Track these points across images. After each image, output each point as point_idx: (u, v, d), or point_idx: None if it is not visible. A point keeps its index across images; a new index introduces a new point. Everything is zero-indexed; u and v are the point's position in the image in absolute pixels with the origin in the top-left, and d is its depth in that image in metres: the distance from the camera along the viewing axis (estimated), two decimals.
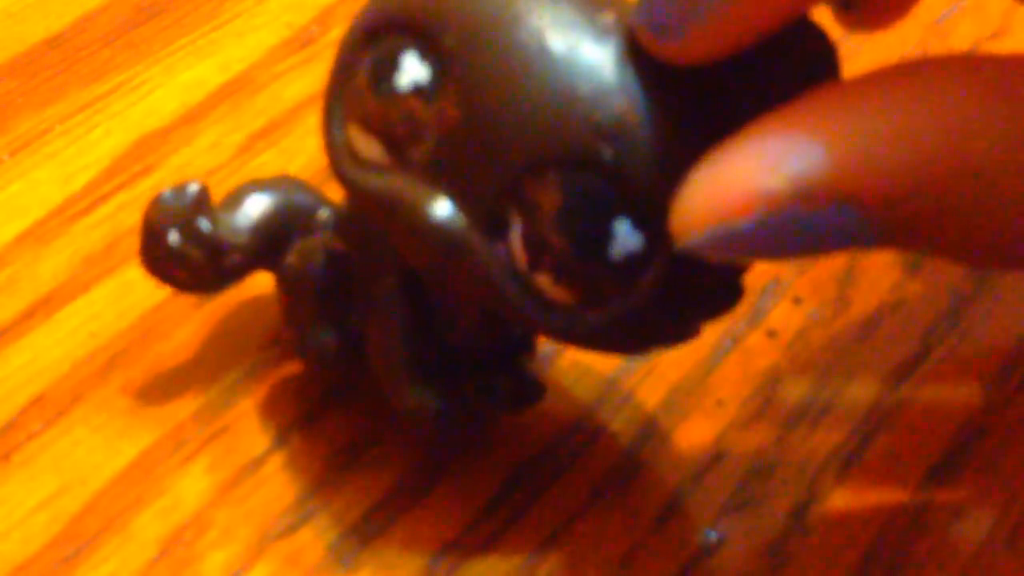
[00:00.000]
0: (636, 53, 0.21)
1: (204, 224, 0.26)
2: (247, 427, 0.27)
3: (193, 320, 0.30)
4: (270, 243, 0.27)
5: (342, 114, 0.23)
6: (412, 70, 0.22)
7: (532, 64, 0.21)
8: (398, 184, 0.22)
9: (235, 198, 0.27)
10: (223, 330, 0.29)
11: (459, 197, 0.22)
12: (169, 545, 0.25)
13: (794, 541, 0.25)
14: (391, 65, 0.22)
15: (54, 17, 0.38)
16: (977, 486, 0.26)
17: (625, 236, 0.21)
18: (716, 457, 0.27)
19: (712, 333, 0.29)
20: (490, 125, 0.21)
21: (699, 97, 0.21)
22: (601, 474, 0.26)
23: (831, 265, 0.30)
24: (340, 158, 0.23)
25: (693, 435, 0.27)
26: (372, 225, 0.25)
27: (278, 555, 0.25)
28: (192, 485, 0.26)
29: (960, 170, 0.18)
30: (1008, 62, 0.19)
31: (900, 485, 0.26)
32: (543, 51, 0.21)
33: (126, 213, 0.32)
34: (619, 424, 0.27)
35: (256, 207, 0.27)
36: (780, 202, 0.18)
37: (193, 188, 0.26)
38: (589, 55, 0.21)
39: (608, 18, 0.21)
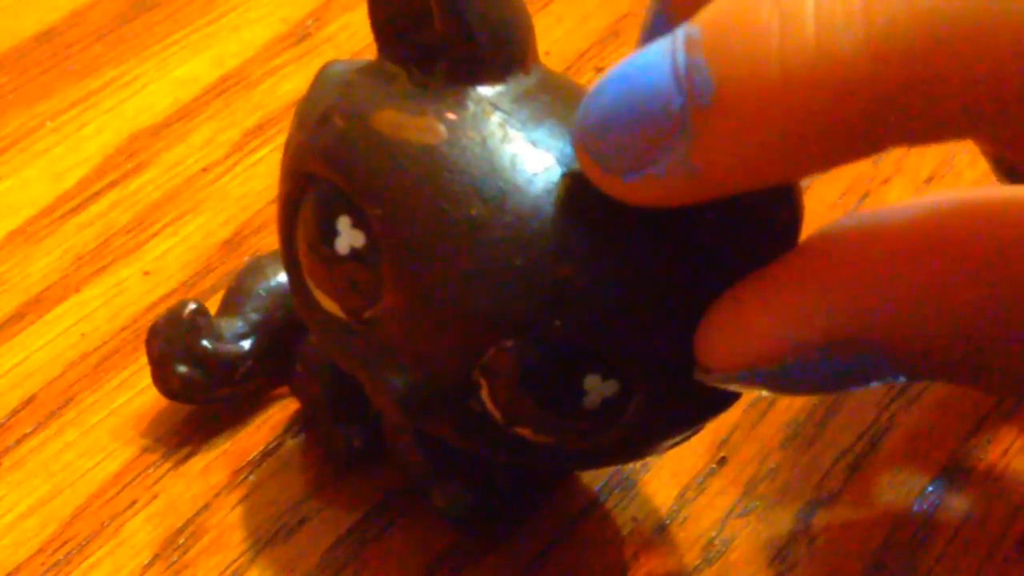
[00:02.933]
0: (573, 196, 0.20)
1: (207, 345, 0.26)
2: (241, 430, 0.27)
3: None
4: (277, 338, 0.27)
5: (298, 264, 0.23)
6: (348, 235, 0.21)
7: (461, 240, 0.20)
8: (359, 350, 0.22)
9: (233, 298, 0.27)
10: None
11: (419, 362, 0.21)
12: (162, 550, 0.25)
13: (800, 547, 0.25)
14: (329, 227, 0.21)
15: (45, 11, 0.37)
16: (985, 492, 0.26)
17: (597, 387, 0.20)
18: (721, 462, 0.26)
19: None
20: (432, 304, 0.20)
21: (649, 234, 0.20)
22: (604, 478, 0.26)
23: None
24: (304, 308, 0.23)
25: (697, 439, 0.26)
26: None
27: (273, 561, 0.25)
28: (186, 489, 0.26)
29: (992, 321, 0.18)
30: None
31: (907, 491, 0.26)
32: (470, 224, 0.20)
33: (118, 211, 0.32)
34: None
35: (255, 305, 0.27)
36: (811, 351, 0.18)
37: (187, 310, 0.26)
38: (520, 221, 0.20)
39: (536, 163, 0.20)
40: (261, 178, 0.33)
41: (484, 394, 0.21)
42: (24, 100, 0.35)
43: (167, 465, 0.27)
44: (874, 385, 0.19)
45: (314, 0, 0.38)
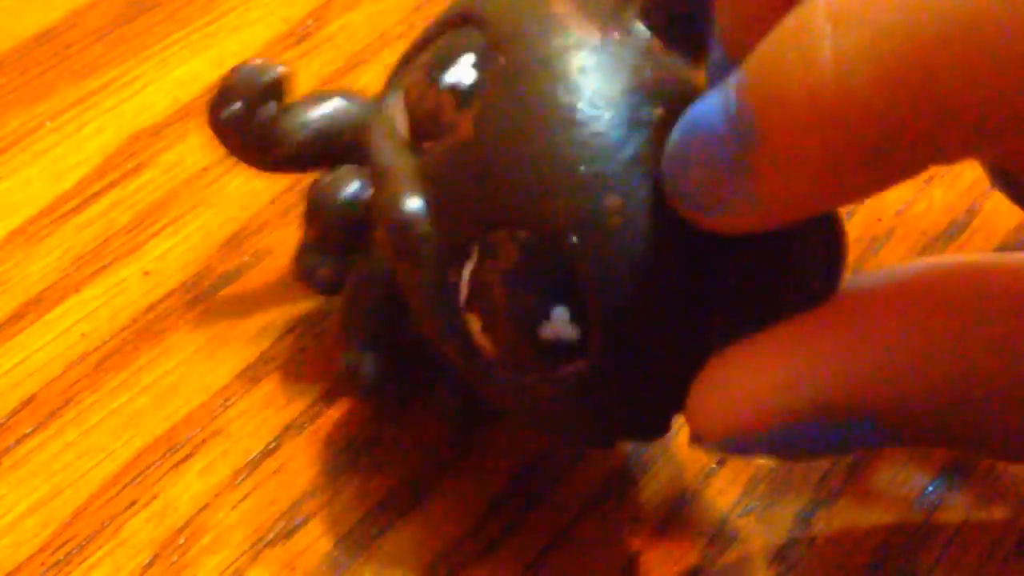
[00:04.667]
0: (656, 159, 0.20)
1: (269, 109, 0.27)
2: (242, 430, 0.27)
3: (186, 321, 0.29)
4: (325, 147, 0.27)
5: (400, 79, 0.24)
6: (461, 72, 0.22)
7: (554, 123, 0.20)
8: (395, 167, 0.22)
9: (311, 97, 0.28)
10: (217, 331, 0.29)
11: (437, 209, 0.22)
12: (162, 550, 0.25)
13: (800, 547, 0.25)
14: (450, 57, 0.22)
15: (44, 11, 0.37)
16: (985, 491, 0.26)
17: (560, 322, 0.21)
18: (721, 462, 0.26)
19: None
20: (490, 160, 0.21)
21: (691, 233, 0.20)
22: (604, 478, 0.26)
23: None
24: (375, 119, 0.24)
25: None
26: None
27: (274, 561, 0.25)
28: (186, 489, 0.26)
29: (980, 390, 0.18)
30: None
31: (907, 490, 0.26)
32: (571, 116, 0.20)
33: (118, 211, 0.32)
34: None
35: (321, 110, 0.27)
36: (799, 417, 0.19)
37: (274, 72, 0.27)
38: (610, 141, 0.20)
39: (651, 113, 0.21)
40: (261, 178, 0.33)
41: (467, 270, 0.21)
42: (24, 100, 0.35)
43: (167, 465, 0.27)
44: (868, 448, 0.20)
45: (314, 0, 0.38)
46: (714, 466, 0.26)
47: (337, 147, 0.27)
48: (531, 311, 0.21)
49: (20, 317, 0.29)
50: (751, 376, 0.19)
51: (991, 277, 0.19)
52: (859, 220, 0.31)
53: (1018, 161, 0.21)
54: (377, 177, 0.23)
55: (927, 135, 0.17)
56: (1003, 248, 0.30)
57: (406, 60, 0.25)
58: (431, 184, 0.22)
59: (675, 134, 0.20)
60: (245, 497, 0.26)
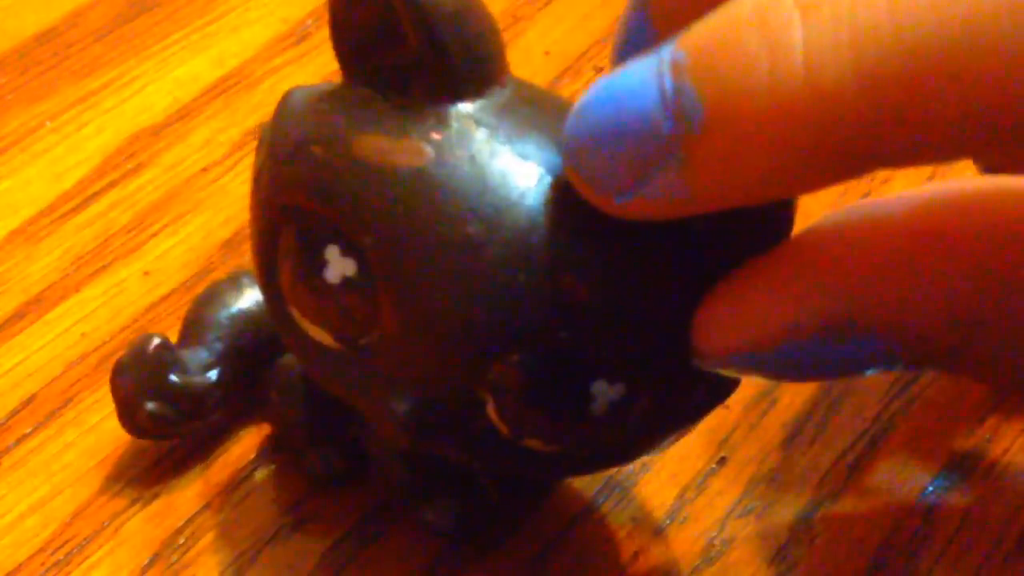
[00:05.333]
0: (567, 206, 0.19)
1: (175, 380, 0.25)
2: (242, 430, 0.27)
3: None
4: (244, 365, 0.26)
5: (280, 294, 0.22)
6: (338, 264, 0.21)
7: (460, 260, 0.19)
8: (355, 377, 0.21)
9: (193, 329, 0.26)
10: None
11: (422, 385, 0.21)
12: (162, 550, 0.25)
13: (800, 547, 0.25)
14: (316, 257, 0.21)
15: (45, 11, 0.37)
16: (986, 491, 0.26)
17: (604, 392, 0.20)
18: (721, 462, 0.26)
19: None
20: (433, 326, 0.20)
21: (645, 238, 0.19)
22: (604, 479, 0.26)
23: None
24: (290, 338, 0.22)
25: (697, 439, 0.26)
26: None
27: (273, 561, 0.25)
28: (185, 489, 0.26)
29: (986, 311, 0.18)
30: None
31: (907, 490, 0.26)
32: (468, 243, 0.19)
33: (118, 211, 0.32)
34: None
35: (218, 333, 0.26)
36: (806, 335, 0.18)
37: (152, 345, 0.25)
38: (518, 236, 0.19)
39: (527, 176, 0.20)
40: None
41: (490, 410, 0.21)
42: (24, 100, 0.35)
43: (167, 465, 0.27)
44: (869, 374, 0.19)
45: (314, 0, 0.38)
46: (714, 466, 0.26)
47: (251, 352, 0.26)
48: (577, 404, 0.20)
49: (20, 317, 0.29)
50: (759, 294, 0.19)
51: (991, 202, 0.19)
52: None
53: (1004, 163, 0.20)
54: (346, 392, 0.22)
55: (901, 137, 0.16)
56: None
57: (268, 272, 0.22)
58: (398, 370, 0.21)
59: (587, 105, 0.18)
60: (245, 497, 0.26)
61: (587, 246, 0.20)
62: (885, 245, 0.18)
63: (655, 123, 0.17)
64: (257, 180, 0.22)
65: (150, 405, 0.25)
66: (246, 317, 0.26)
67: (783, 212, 0.20)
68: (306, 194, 0.21)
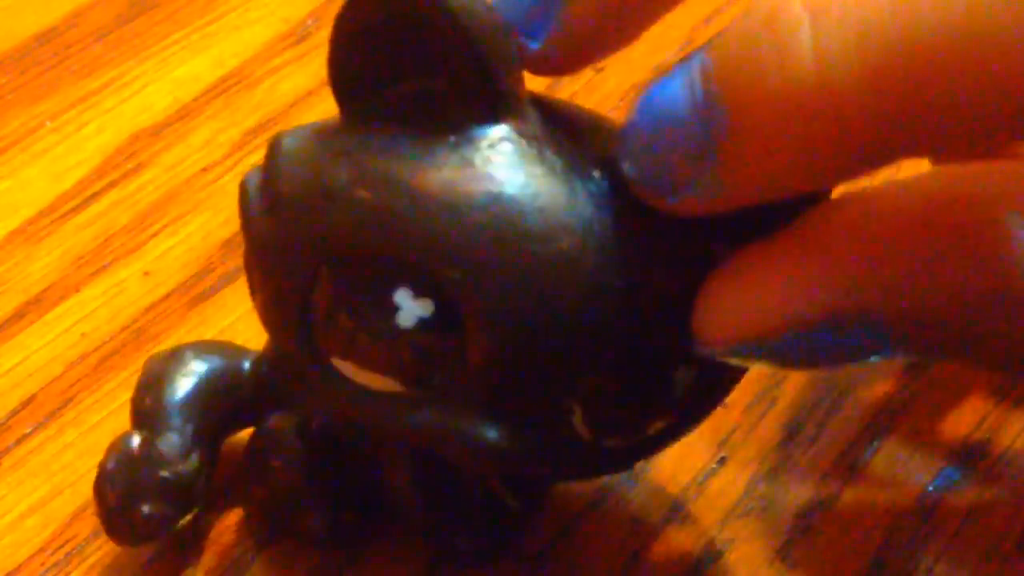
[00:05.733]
0: (633, 207, 0.20)
1: (165, 476, 0.24)
2: (242, 431, 0.27)
3: (186, 321, 0.29)
4: (219, 443, 0.25)
5: (319, 351, 0.22)
6: (412, 308, 0.20)
7: (558, 277, 0.19)
8: (426, 418, 0.21)
9: (148, 417, 0.25)
10: (217, 332, 0.29)
11: (513, 409, 0.20)
12: (162, 550, 0.25)
13: (801, 546, 0.25)
14: (381, 304, 0.20)
15: (44, 11, 0.37)
16: (987, 491, 0.26)
17: (683, 379, 0.21)
18: (721, 460, 0.26)
19: None
20: (531, 348, 0.20)
21: (698, 230, 0.20)
22: (604, 478, 0.26)
23: None
24: (331, 398, 0.22)
25: (697, 438, 0.26)
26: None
27: (273, 561, 0.25)
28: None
29: (990, 296, 0.18)
30: None
31: (908, 488, 0.26)
32: (565, 258, 0.19)
33: (118, 211, 0.32)
34: None
35: (183, 416, 0.24)
36: (811, 324, 0.19)
37: (137, 444, 0.24)
38: (607, 245, 0.20)
39: (593, 183, 0.20)
40: None
41: (576, 419, 0.21)
42: (24, 100, 0.35)
43: None
44: (875, 361, 0.19)
45: (314, 0, 0.38)
46: (714, 466, 0.26)
47: (218, 421, 0.25)
48: (660, 395, 0.21)
49: (20, 317, 0.29)
50: (762, 283, 0.19)
51: (991, 188, 0.19)
52: None
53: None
54: (426, 438, 0.21)
55: (913, 132, 0.17)
56: None
57: (298, 334, 0.22)
58: (479, 401, 0.20)
59: (634, 117, 0.19)
60: (244, 498, 0.26)
61: (663, 239, 0.20)
62: (886, 231, 0.19)
63: (691, 128, 0.18)
64: (258, 238, 0.22)
65: (145, 508, 0.23)
66: (205, 392, 0.25)
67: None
68: (356, 242, 0.20)
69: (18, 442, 0.27)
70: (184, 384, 0.25)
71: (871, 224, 0.19)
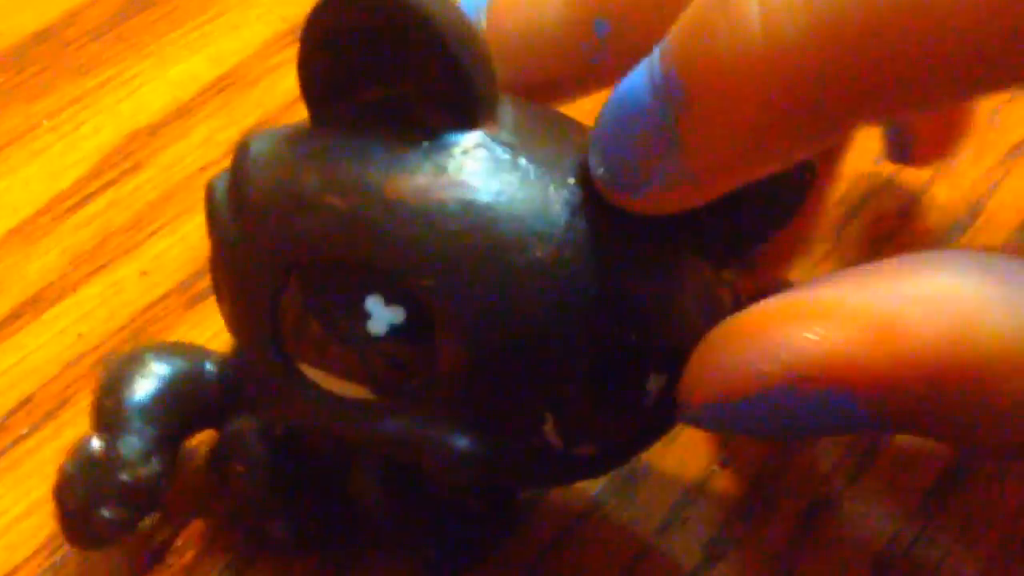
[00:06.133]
0: (606, 212, 0.20)
1: (125, 478, 0.23)
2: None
3: (184, 321, 0.29)
4: (179, 446, 0.25)
5: (287, 358, 0.21)
6: (384, 315, 0.20)
7: (532, 286, 0.19)
8: (395, 426, 0.21)
9: (109, 418, 0.24)
10: (215, 332, 0.29)
11: (484, 417, 0.20)
12: (160, 554, 0.25)
13: (802, 550, 0.25)
14: (354, 311, 0.20)
15: (42, 10, 0.37)
16: (989, 493, 0.26)
17: (655, 384, 0.21)
18: (722, 463, 0.26)
19: None
20: (504, 356, 0.20)
21: (674, 233, 0.20)
22: (605, 480, 0.26)
23: (839, 266, 0.30)
24: (301, 405, 0.21)
25: (698, 441, 0.26)
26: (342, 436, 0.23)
27: (273, 561, 0.25)
28: (184, 489, 0.26)
29: (958, 368, 0.18)
30: (1005, 255, 0.19)
31: (910, 492, 0.26)
32: (539, 265, 0.19)
33: (116, 211, 0.32)
34: None
35: (145, 418, 0.24)
36: (774, 385, 0.19)
37: (97, 448, 0.23)
38: (581, 254, 0.20)
39: (568, 190, 0.20)
40: None
41: (547, 428, 0.21)
42: (21, 99, 0.35)
43: None
44: (836, 432, 0.20)
45: None
46: (715, 467, 0.26)
47: (179, 425, 0.24)
48: (634, 401, 0.21)
49: (17, 317, 0.29)
50: (734, 345, 0.19)
51: (974, 256, 0.19)
52: (861, 220, 0.31)
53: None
54: (396, 446, 0.21)
55: (859, 95, 0.17)
56: (1006, 249, 0.30)
57: (265, 340, 0.21)
58: (449, 409, 0.20)
59: (603, 114, 0.20)
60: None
61: (638, 247, 0.20)
62: (855, 287, 0.19)
63: (651, 112, 0.18)
64: (226, 243, 0.21)
65: (105, 512, 0.23)
66: (167, 395, 0.24)
67: (790, 196, 0.21)
68: (327, 248, 0.20)
69: (15, 443, 0.27)
70: (145, 386, 0.24)
71: (839, 283, 0.19)
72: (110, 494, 0.23)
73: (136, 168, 0.33)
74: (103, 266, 0.31)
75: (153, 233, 0.31)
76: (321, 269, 0.20)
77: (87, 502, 0.23)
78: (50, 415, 0.27)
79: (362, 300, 0.20)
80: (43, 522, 0.25)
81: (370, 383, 0.21)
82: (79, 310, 0.30)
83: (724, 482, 0.26)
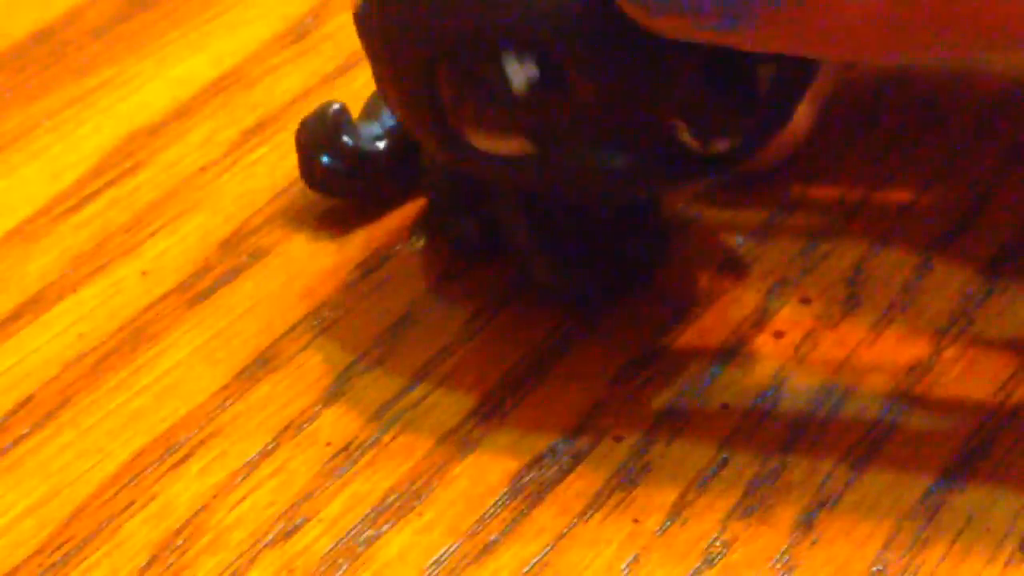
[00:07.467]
0: None
1: (347, 141, 0.30)
2: (240, 430, 0.27)
3: (184, 321, 0.29)
4: (408, 143, 0.30)
5: (451, 130, 0.25)
6: (520, 73, 0.24)
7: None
8: (554, 168, 0.25)
9: (371, 107, 0.31)
10: (215, 332, 0.29)
11: (628, 133, 0.25)
12: (160, 551, 0.25)
13: (801, 549, 0.25)
14: (499, 75, 0.24)
15: (42, 10, 0.37)
16: (990, 492, 0.26)
17: (766, 73, 0.25)
18: (722, 463, 0.26)
19: (717, 334, 0.28)
20: (628, 70, 0.24)
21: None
22: (604, 479, 0.26)
23: (840, 265, 0.30)
24: (474, 166, 0.26)
25: (698, 440, 0.26)
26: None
27: (272, 562, 0.25)
28: (184, 490, 0.26)
29: None
30: None
31: (909, 492, 0.26)
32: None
33: (116, 211, 0.32)
34: (623, 428, 0.27)
35: (393, 121, 0.31)
36: None
37: (332, 110, 0.30)
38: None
39: None
40: (260, 177, 0.33)
41: (682, 133, 0.25)
42: (21, 99, 0.35)
43: (165, 466, 0.26)
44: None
45: None
46: (715, 467, 0.26)
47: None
48: (751, 91, 0.25)
49: (17, 317, 0.29)
50: None
51: None
52: (862, 221, 0.31)
53: None
54: (546, 188, 0.27)
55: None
56: (1006, 247, 0.30)
57: (429, 119, 0.26)
58: (598, 126, 0.25)
59: None
60: (243, 498, 0.26)
61: None
62: None
63: None
64: (384, 30, 0.25)
65: (325, 159, 0.30)
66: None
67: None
68: (466, 31, 0.24)
69: (15, 442, 0.27)
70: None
71: None
72: (331, 148, 0.30)
73: (136, 168, 0.33)
74: (103, 266, 0.31)
75: (153, 233, 0.31)
76: (465, 52, 0.24)
77: (313, 147, 0.30)
78: (50, 415, 0.27)
79: (499, 64, 0.24)
80: (43, 522, 0.26)
81: (526, 135, 0.25)
82: (79, 310, 0.30)
83: (723, 482, 0.26)
